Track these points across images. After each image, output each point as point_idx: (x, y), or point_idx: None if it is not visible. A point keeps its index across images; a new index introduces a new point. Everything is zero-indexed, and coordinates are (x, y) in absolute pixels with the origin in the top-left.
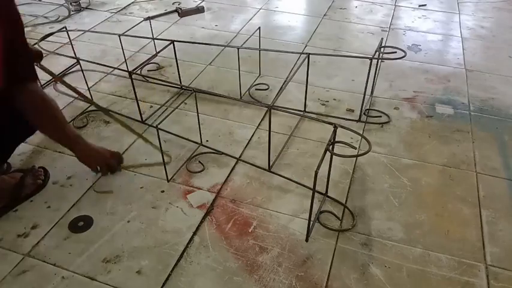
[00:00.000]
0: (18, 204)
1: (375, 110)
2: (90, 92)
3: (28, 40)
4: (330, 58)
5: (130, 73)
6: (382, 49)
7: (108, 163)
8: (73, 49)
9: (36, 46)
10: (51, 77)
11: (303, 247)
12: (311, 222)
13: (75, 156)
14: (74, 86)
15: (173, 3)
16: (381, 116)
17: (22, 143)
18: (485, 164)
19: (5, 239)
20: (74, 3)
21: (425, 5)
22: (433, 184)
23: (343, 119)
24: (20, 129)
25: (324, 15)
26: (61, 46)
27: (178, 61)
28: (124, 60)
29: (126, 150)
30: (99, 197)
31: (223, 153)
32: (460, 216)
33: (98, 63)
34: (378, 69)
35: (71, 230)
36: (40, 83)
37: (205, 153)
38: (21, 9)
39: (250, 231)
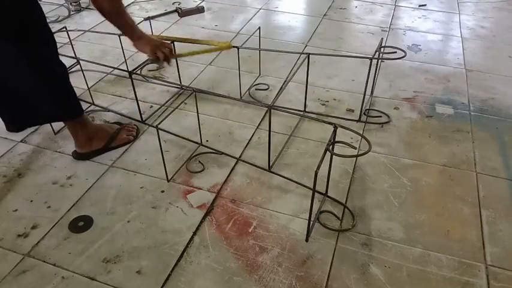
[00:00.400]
0: (107, 151)
1: (375, 110)
2: (90, 92)
3: None
4: (330, 58)
5: (130, 73)
6: (382, 49)
7: (163, 51)
8: (73, 49)
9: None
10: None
11: (303, 247)
12: (311, 222)
13: (132, 43)
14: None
15: (173, 3)
16: (381, 116)
17: (22, 143)
18: (485, 164)
19: (5, 239)
20: (74, 3)
21: (425, 5)
22: (433, 184)
23: (343, 119)
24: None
25: (324, 15)
26: (61, 46)
27: (178, 61)
28: (124, 60)
29: (126, 150)
30: (99, 196)
31: (223, 153)
32: (460, 216)
33: (98, 63)
34: (377, 69)
35: (71, 230)
36: None
37: (205, 153)
38: None
39: (250, 231)
